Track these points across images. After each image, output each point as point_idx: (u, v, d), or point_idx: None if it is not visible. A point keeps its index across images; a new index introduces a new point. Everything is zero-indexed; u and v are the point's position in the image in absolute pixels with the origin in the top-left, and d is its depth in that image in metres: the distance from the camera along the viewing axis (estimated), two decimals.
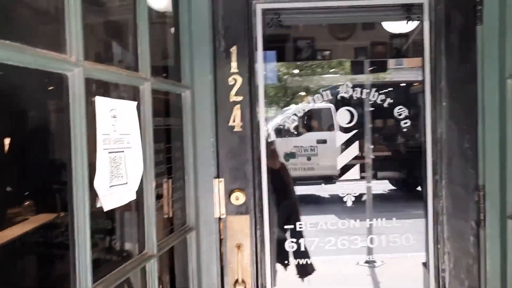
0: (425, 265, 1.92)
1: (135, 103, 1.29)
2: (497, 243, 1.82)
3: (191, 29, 1.76)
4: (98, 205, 1.10)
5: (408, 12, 1.87)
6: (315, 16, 1.91)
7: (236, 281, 1.80)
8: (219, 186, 1.80)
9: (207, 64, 1.79)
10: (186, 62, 1.72)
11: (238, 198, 1.79)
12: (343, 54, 3.51)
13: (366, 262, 2.15)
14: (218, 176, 1.81)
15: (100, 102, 1.10)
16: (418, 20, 1.86)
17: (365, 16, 1.94)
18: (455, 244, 1.86)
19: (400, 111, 1.94)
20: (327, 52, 3.59)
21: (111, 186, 1.16)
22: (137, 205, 1.45)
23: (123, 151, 1.22)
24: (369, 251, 2.02)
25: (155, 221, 1.38)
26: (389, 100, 1.93)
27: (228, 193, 1.81)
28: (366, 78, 3.36)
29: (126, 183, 1.23)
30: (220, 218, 1.81)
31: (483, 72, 1.82)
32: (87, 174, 1.02)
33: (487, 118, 1.82)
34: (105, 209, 1.12)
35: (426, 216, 1.90)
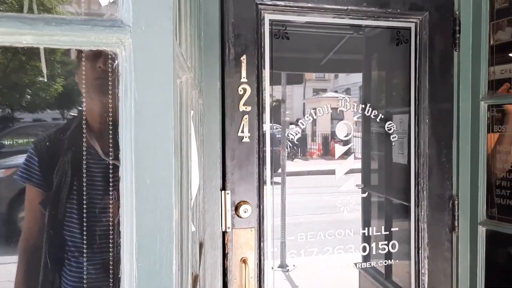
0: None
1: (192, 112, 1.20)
2: (467, 247, 2.03)
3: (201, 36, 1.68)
4: None
5: (398, 34, 2.00)
6: (314, 32, 1.95)
7: None
8: (225, 198, 1.74)
9: (216, 72, 1.73)
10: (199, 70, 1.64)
11: (247, 210, 1.74)
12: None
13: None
14: (224, 188, 1.75)
15: None
16: (406, 42, 2.00)
17: (356, 36, 2.03)
18: (433, 249, 2.03)
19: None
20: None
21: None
22: None
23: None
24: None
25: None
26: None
27: (235, 206, 1.75)
28: None
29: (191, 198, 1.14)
30: (225, 232, 1.75)
31: (459, 93, 2.03)
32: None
33: (461, 134, 2.02)
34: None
35: (409, 224, 2.04)
